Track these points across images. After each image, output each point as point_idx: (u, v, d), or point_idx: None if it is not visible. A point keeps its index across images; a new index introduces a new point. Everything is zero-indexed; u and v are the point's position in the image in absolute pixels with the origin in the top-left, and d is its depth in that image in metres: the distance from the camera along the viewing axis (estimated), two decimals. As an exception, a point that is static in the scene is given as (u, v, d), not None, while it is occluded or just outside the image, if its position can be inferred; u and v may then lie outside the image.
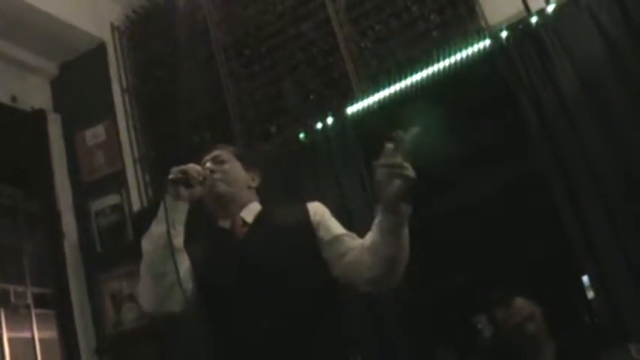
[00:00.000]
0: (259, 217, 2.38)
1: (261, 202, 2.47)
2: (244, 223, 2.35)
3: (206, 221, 2.44)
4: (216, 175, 2.34)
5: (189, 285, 2.22)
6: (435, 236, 4.98)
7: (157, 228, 2.17)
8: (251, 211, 2.40)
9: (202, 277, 2.25)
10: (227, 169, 2.41)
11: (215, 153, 2.47)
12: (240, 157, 2.51)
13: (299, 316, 2.13)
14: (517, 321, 3.15)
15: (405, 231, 2.08)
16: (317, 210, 2.36)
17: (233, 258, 2.26)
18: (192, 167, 2.23)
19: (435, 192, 4.85)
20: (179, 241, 2.20)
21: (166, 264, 2.12)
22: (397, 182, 1.98)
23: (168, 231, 2.12)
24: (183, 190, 2.19)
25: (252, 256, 2.23)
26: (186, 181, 2.19)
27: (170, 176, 2.18)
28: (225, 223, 2.38)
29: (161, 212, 2.17)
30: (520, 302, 3.18)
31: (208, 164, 2.37)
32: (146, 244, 2.21)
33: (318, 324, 2.16)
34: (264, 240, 2.27)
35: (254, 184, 2.50)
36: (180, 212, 2.20)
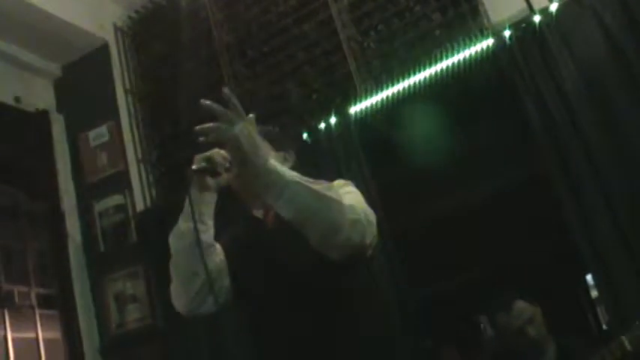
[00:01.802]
0: None
1: None
2: None
3: (240, 208, 2.26)
4: None
5: (224, 281, 2.11)
6: (440, 235, 4.98)
7: (184, 224, 2.04)
8: None
9: (236, 269, 2.12)
10: None
11: None
12: (268, 138, 2.25)
13: (329, 305, 1.97)
14: (518, 325, 3.16)
15: (285, 189, 1.83)
16: (334, 186, 2.08)
17: (262, 248, 2.09)
18: (217, 152, 2.03)
19: (439, 191, 4.86)
20: (208, 235, 2.08)
21: (196, 263, 1.97)
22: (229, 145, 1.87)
23: (195, 228, 1.96)
24: (209, 180, 2.04)
25: (280, 245, 2.04)
26: (212, 169, 2.00)
27: (194, 166, 1.99)
28: (258, 212, 2.21)
29: (187, 206, 2.01)
30: (520, 305, 3.18)
31: None
32: (173, 242, 2.09)
33: (350, 313, 1.99)
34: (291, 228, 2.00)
35: (287, 165, 2.20)
36: (208, 205, 2.07)
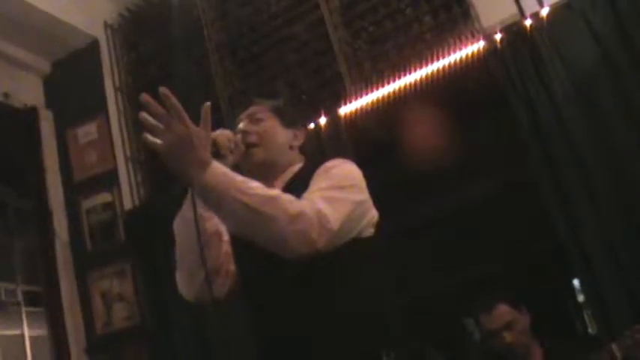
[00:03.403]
0: (288, 185, 2.09)
1: (307, 160, 2.22)
2: None
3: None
4: (251, 139, 2.12)
5: (230, 266, 2.10)
6: (428, 238, 5.00)
7: (189, 211, 1.93)
8: (286, 177, 2.16)
9: (238, 252, 2.10)
10: (263, 130, 2.17)
11: (251, 110, 2.23)
12: (279, 113, 2.24)
13: (325, 282, 1.91)
14: (494, 328, 3.15)
15: (221, 205, 1.78)
16: (320, 168, 2.05)
17: None
18: (221, 134, 2.02)
19: (427, 194, 4.87)
20: (213, 222, 2.03)
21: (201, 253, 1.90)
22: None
23: (196, 220, 1.87)
24: None
25: None
26: (216, 152, 1.92)
27: None
28: None
29: (190, 193, 1.92)
30: (501, 309, 3.17)
31: (242, 124, 2.17)
32: (178, 228, 2.05)
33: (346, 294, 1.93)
34: None
35: (296, 143, 2.24)
36: None
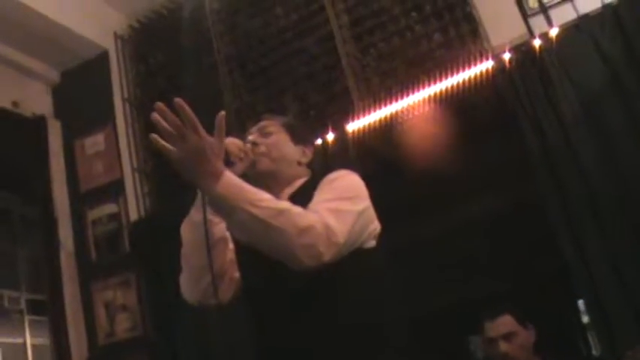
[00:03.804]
0: (292, 197, 2.10)
1: (313, 178, 2.21)
2: None
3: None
4: (260, 149, 2.16)
5: (234, 273, 2.14)
6: (434, 255, 4.98)
7: (197, 215, 1.99)
8: (291, 190, 2.17)
9: (242, 261, 2.12)
10: (272, 143, 2.20)
11: (262, 124, 2.27)
12: (290, 129, 2.28)
13: (330, 293, 1.92)
14: (493, 335, 3.14)
15: (232, 215, 1.80)
16: (324, 179, 2.08)
17: None
18: (232, 142, 2.05)
19: (435, 210, 4.86)
20: (220, 228, 2.07)
21: (206, 257, 1.94)
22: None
23: (205, 222, 1.93)
24: None
25: None
26: (226, 159, 1.92)
27: None
28: None
29: (199, 198, 1.96)
30: (504, 319, 3.16)
31: (252, 137, 2.20)
32: (185, 233, 2.08)
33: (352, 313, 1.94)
34: None
35: (304, 160, 2.27)
36: None
